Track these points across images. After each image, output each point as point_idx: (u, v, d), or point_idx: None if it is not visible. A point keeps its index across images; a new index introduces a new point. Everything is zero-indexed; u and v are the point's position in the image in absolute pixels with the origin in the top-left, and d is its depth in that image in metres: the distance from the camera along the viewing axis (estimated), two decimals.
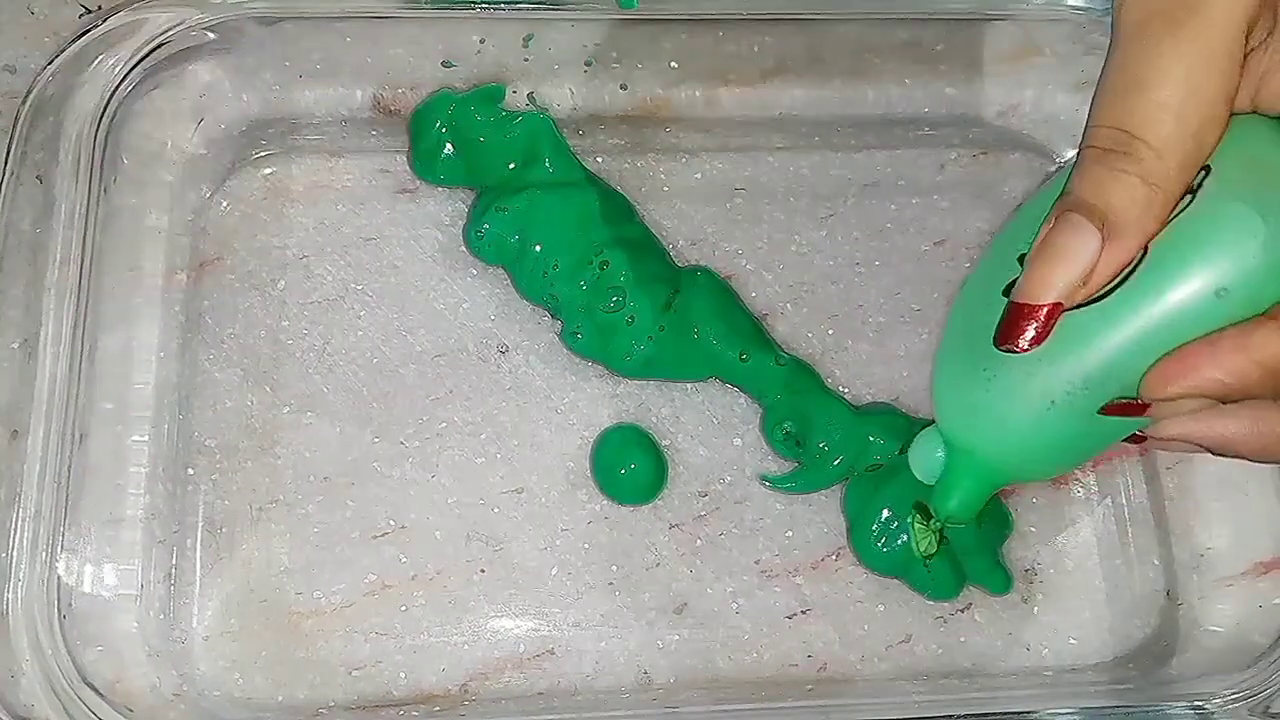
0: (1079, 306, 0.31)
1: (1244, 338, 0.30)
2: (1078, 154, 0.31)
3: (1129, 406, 0.32)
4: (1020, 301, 0.31)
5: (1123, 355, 0.31)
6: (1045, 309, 0.31)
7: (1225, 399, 0.31)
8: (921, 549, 0.43)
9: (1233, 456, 0.33)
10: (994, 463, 0.35)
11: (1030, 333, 0.31)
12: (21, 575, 0.39)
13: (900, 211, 0.51)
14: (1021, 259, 0.32)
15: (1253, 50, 0.31)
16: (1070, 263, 0.31)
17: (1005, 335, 0.32)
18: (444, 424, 0.47)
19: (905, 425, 0.47)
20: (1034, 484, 0.48)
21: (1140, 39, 0.31)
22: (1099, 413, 0.32)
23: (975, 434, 0.35)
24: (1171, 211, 0.31)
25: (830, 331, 0.50)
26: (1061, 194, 0.31)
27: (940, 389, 0.36)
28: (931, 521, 0.42)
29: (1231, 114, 0.31)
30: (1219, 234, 0.31)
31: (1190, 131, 0.30)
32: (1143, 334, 0.31)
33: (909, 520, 0.44)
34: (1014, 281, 0.32)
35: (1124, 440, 0.34)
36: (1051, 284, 0.31)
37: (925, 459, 0.37)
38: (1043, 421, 0.33)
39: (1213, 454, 0.33)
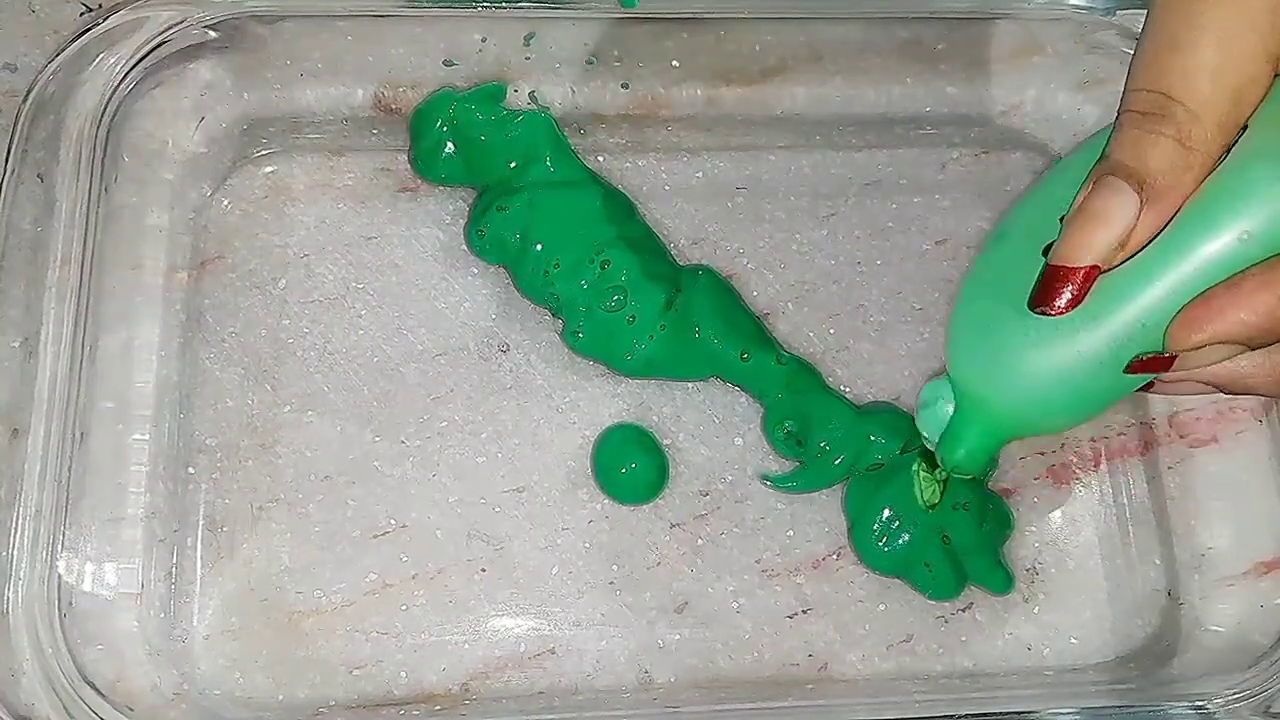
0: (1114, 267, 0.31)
1: (1268, 273, 0.30)
2: (1116, 117, 0.31)
3: (1154, 361, 0.32)
4: (1058, 264, 0.31)
5: (1153, 308, 0.31)
6: (1083, 272, 0.31)
7: (1252, 343, 0.31)
8: (925, 498, 0.43)
9: (1244, 393, 0.33)
10: (1007, 414, 0.35)
11: (1067, 295, 0.31)
12: (22, 574, 0.39)
13: (901, 210, 0.51)
14: (1061, 219, 0.32)
15: None
16: (1109, 226, 0.30)
17: (1042, 297, 0.32)
18: (445, 423, 0.47)
19: (907, 425, 0.47)
20: (1035, 483, 0.48)
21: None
22: (1125, 371, 0.32)
23: (992, 384, 0.35)
24: (1210, 171, 0.31)
25: (831, 331, 0.50)
26: (1100, 158, 0.31)
27: (958, 336, 0.36)
28: (936, 471, 0.42)
29: (1277, 72, 0.31)
30: (1249, 187, 0.30)
31: (1228, 92, 0.30)
32: (1173, 287, 0.31)
33: (914, 468, 0.43)
34: (1051, 244, 0.32)
35: (1139, 389, 0.34)
36: (1090, 247, 0.31)
37: (933, 410, 0.37)
38: (1066, 374, 0.33)
39: (1226, 392, 0.33)
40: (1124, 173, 0.30)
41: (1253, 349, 0.31)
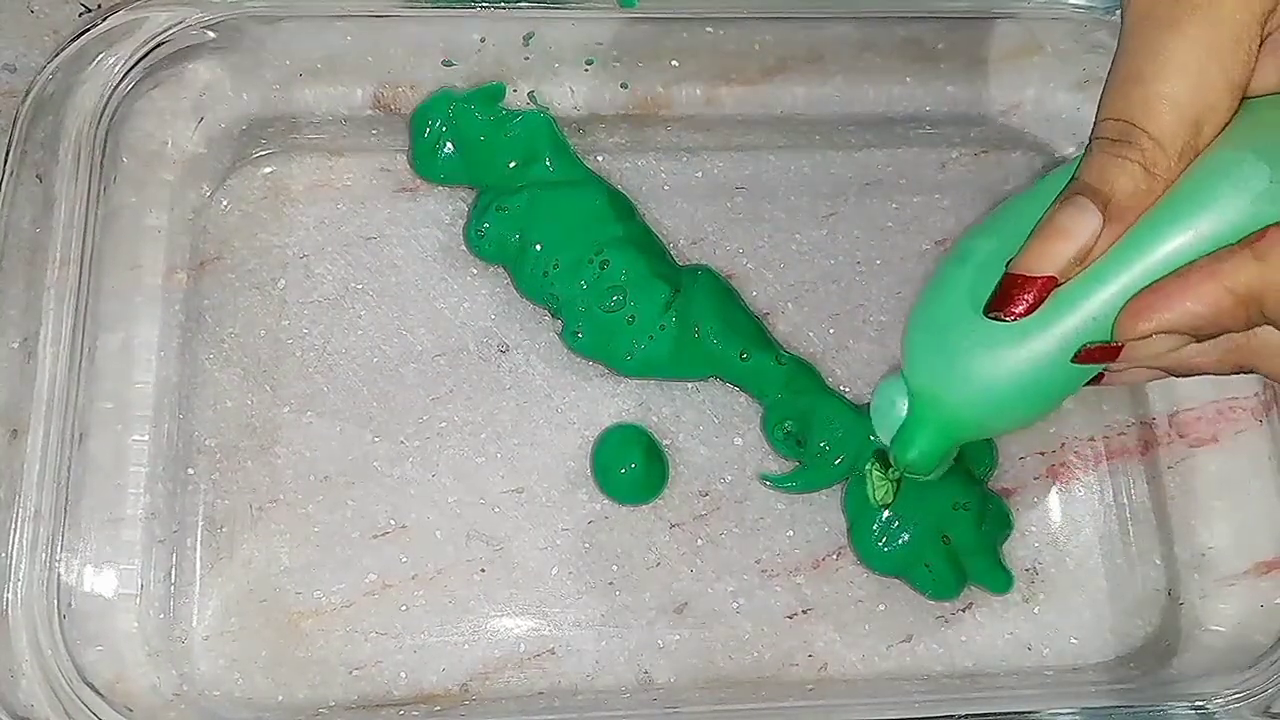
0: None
1: (1215, 265, 0.31)
2: (1088, 143, 0.33)
3: (1101, 351, 0.33)
4: (1017, 273, 0.33)
5: (1102, 307, 0.33)
6: (1041, 281, 0.33)
7: (1199, 334, 0.32)
8: (878, 498, 0.42)
9: (1192, 374, 0.35)
10: (959, 413, 0.36)
11: (1024, 303, 0.33)
12: (21, 575, 0.39)
13: (901, 210, 0.51)
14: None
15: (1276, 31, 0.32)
16: (1070, 240, 0.32)
17: (999, 303, 0.33)
18: (444, 423, 0.47)
19: None
20: (1035, 483, 0.48)
21: (1144, 30, 0.32)
22: (1073, 360, 0.34)
23: (946, 384, 0.36)
24: (1165, 191, 0.32)
25: (831, 330, 0.50)
26: (1070, 179, 0.33)
27: (914, 337, 0.37)
28: (890, 470, 0.42)
29: (1244, 98, 0.33)
30: (1202, 199, 0.32)
31: (1189, 122, 0.32)
32: (1124, 288, 0.32)
33: (867, 468, 0.43)
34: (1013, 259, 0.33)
35: (1086, 383, 0.35)
36: (1051, 258, 0.32)
37: (885, 408, 0.38)
38: (1017, 373, 0.34)
39: (1174, 375, 0.35)
40: (1090, 193, 0.32)
41: (1199, 340, 0.32)
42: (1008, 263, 0.33)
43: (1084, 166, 0.33)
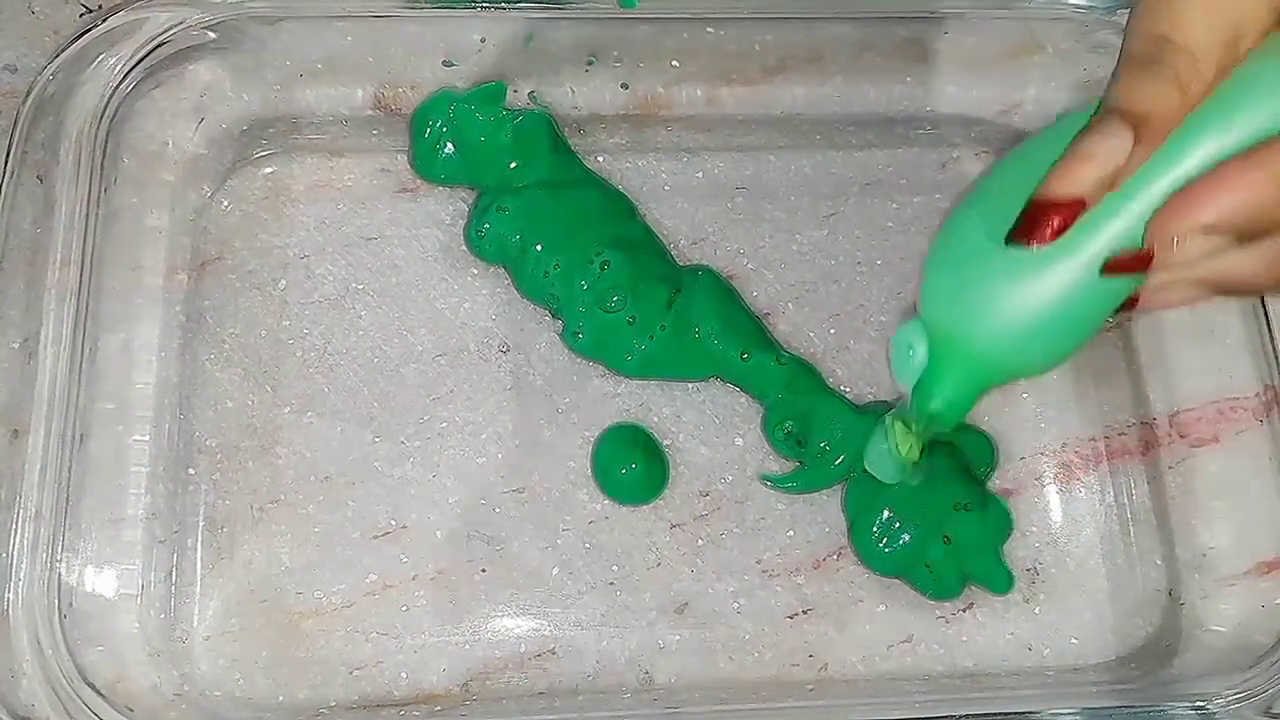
0: None
1: (1254, 153, 0.29)
2: (1115, 66, 0.31)
3: (1133, 259, 0.31)
4: (1043, 198, 0.31)
5: (1134, 225, 0.31)
6: (1067, 204, 0.30)
7: (1240, 231, 0.30)
8: (904, 454, 0.39)
9: (1237, 293, 0.32)
10: (984, 354, 0.34)
11: (1049, 229, 0.31)
12: (22, 575, 0.39)
13: (902, 210, 0.51)
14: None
15: None
16: (1100, 163, 0.30)
17: (1023, 231, 0.31)
18: (445, 424, 0.47)
19: None
20: (1035, 483, 0.48)
21: None
22: (1102, 272, 0.31)
23: (967, 323, 0.33)
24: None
25: (832, 331, 0.49)
26: (1099, 104, 0.31)
27: (930, 277, 0.35)
28: (914, 425, 0.39)
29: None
30: (1236, 97, 0.30)
31: (1225, 33, 0.30)
32: (1156, 202, 0.30)
33: (889, 423, 0.39)
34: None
35: (1119, 310, 0.33)
36: (1078, 180, 0.30)
37: (904, 355, 0.36)
38: (1043, 305, 0.32)
39: (1219, 294, 0.32)
40: (1120, 114, 0.30)
41: (1241, 241, 0.30)
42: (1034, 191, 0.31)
43: (1112, 86, 0.31)
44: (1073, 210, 0.30)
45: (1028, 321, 0.32)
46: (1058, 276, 0.31)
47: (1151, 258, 0.31)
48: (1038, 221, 0.31)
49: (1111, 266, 0.31)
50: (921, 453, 0.40)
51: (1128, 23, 0.31)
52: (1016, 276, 0.32)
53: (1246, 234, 0.30)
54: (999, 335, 0.33)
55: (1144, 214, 0.30)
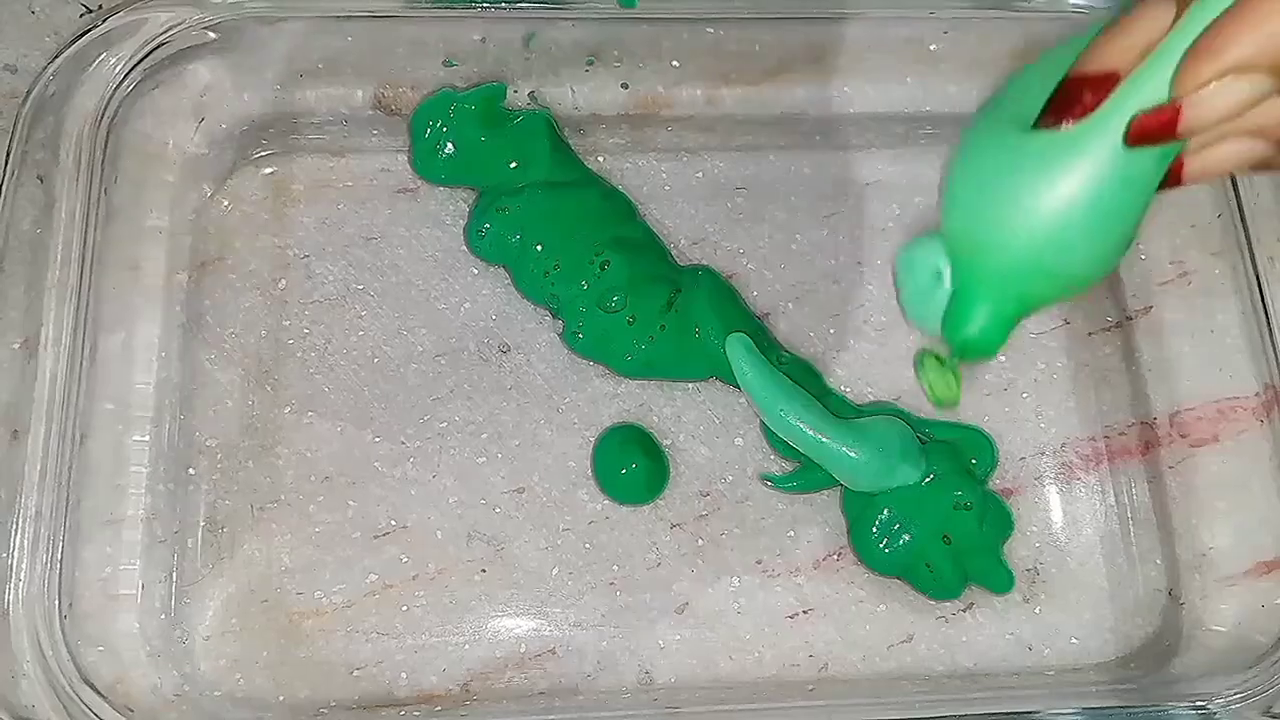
0: None
1: None
2: None
3: (1158, 118, 0.27)
4: (1077, 73, 0.29)
5: (1161, 88, 0.28)
6: (1102, 76, 0.28)
7: (1274, 67, 0.26)
8: (941, 397, 0.34)
9: None
10: (1019, 262, 0.30)
11: (1082, 105, 0.28)
12: (22, 575, 0.39)
13: (902, 211, 0.51)
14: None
15: None
16: (1139, 33, 0.28)
17: (1056, 109, 0.29)
18: (445, 424, 0.47)
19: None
20: (1035, 483, 0.48)
21: None
22: (1126, 142, 0.28)
23: (1002, 221, 0.30)
24: None
25: (832, 331, 0.49)
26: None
27: (957, 178, 0.32)
28: (949, 359, 0.34)
29: None
30: None
31: None
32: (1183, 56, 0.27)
33: (921, 362, 0.34)
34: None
35: (1162, 187, 0.30)
36: (1114, 52, 0.28)
37: (920, 280, 0.32)
38: (1080, 188, 0.29)
39: (1267, 166, 0.29)
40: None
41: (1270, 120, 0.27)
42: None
43: None
44: (1107, 84, 0.28)
45: (1065, 213, 0.29)
46: (1092, 158, 0.29)
47: (1178, 114, 0.27)
48: (1070, 98, 0.29)
49: (1136, 130, 0.28)
50: (959, 389, 0.35)
51: None
52: (1049, 164, 0.29)
53: None
54: (1035, 233, 0.30)
55: (1173, 69, 0.27)
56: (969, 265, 0.31)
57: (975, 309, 0.31)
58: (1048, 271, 0.30)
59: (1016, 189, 0.29)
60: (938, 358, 0.34)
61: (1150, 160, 0.29)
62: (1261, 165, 0.29)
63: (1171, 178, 0.29)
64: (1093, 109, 0.28)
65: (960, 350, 0.32)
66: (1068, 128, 0.28)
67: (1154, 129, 0.28)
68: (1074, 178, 0.29)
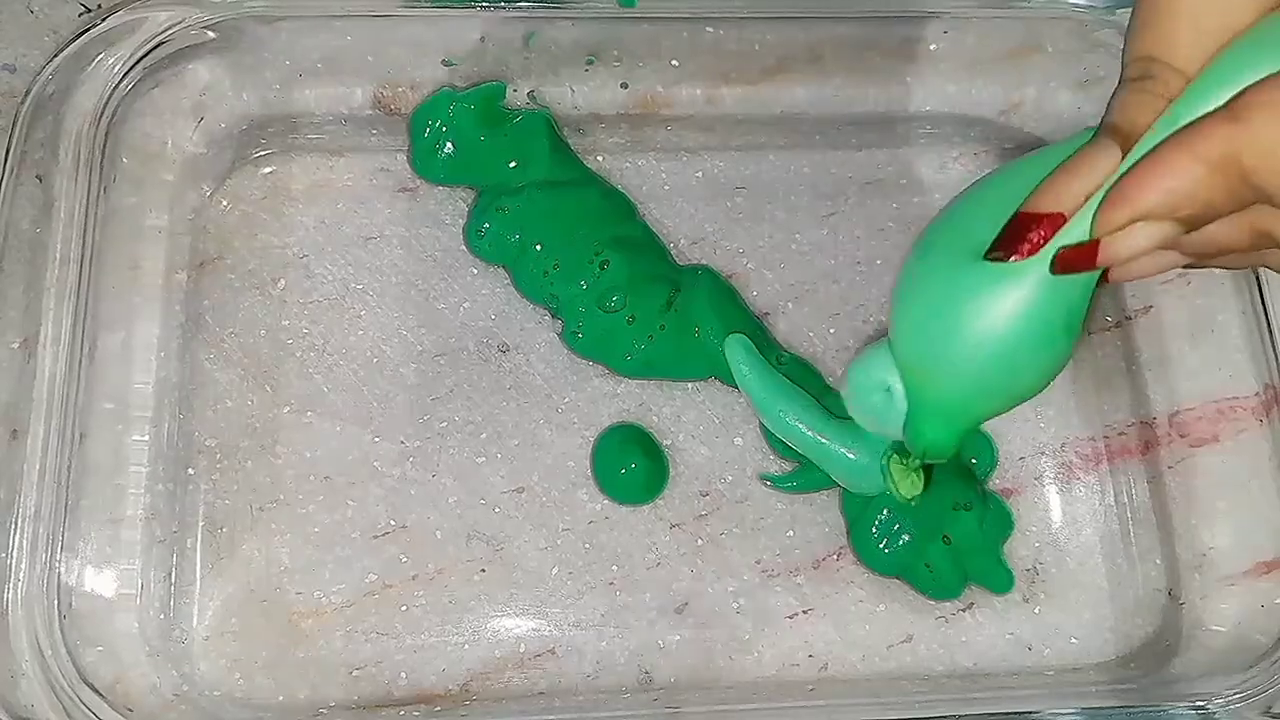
0: None
1: (1185, 134, 0.29)
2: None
3: (1078, 253, 0.31)
4: (1028, 210, 0.31)
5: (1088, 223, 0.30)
6: (1051, 217, 0.31)
7: (1182, 216, 0.29)
8: (903, 493, 0.40)
9: (1217, 257, 0.32)
10: (972, 388, 0.33)
11: (1030, 242, 0.31)
12: (22, 575, 0.39)
13: (902, 210, 0.51)
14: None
15: None
16: (1087, 177, 0.30)
17: (1005, 243, 0.31)
18: (444, 423, 0.47)
19: None
20: (1035, 483, 0.48)
21: None
22: (1052, 270, 0.31)
23: (948, 342, 0.33)
24: None
25: (831, 330, 0.49)
26: (1082, 134, 0.32)
27: (904, 301, 0.34)
28: (910, 459, 0.39)
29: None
30: (1200, 88, 0.30)
31: (1211, 51, 0.30)
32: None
33: (884, 463, 0.41)
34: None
35: (1100, 283, 0.33)
36: (1064, 195, 0.30)
37: (873, 395, 0.35)
38: (1019, 313, 0.32)
39: (1198, 262, 0.32)
40: (1112, 132, 0.31)
41: (1190, 229, 0.29)
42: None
43: (1109, 106, 0.31)
44: (1054, 223, 0.31)
45: (1011, 340, 0.32)
46: (1032, 286, 0.31)
47: (1095, 252, 0.30)
48: (1020, 234, 0.31)
49: (1059, 264, 0.31)
50: (925, 484, 0.40)
51: (1124, 41, 0.31)
52: (996, 294, 0.32)
53: (1192, 219, 0.29)
54: (984, 360, 0.32)
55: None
56: (920, 387, 0.34)
57: (930, 426, 0.34)
58: (996, 392, 0.33)
59: (966, 318, 0.32)
60: (901, 461, 0.39)
61: (1083, 280, 0.32)
62: (1185, 265, 0.32)
63: (1102, 278, 0.32)
64: (1040, 248, 0.31)
65: (921, 455, 0.35)
66: (1017, 259, 0.31)
67: (1076, 262, 0.31)
68: (1018, 306, 0.32)
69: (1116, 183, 0.30)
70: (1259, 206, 0.29)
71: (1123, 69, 0.31)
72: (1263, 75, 0.28)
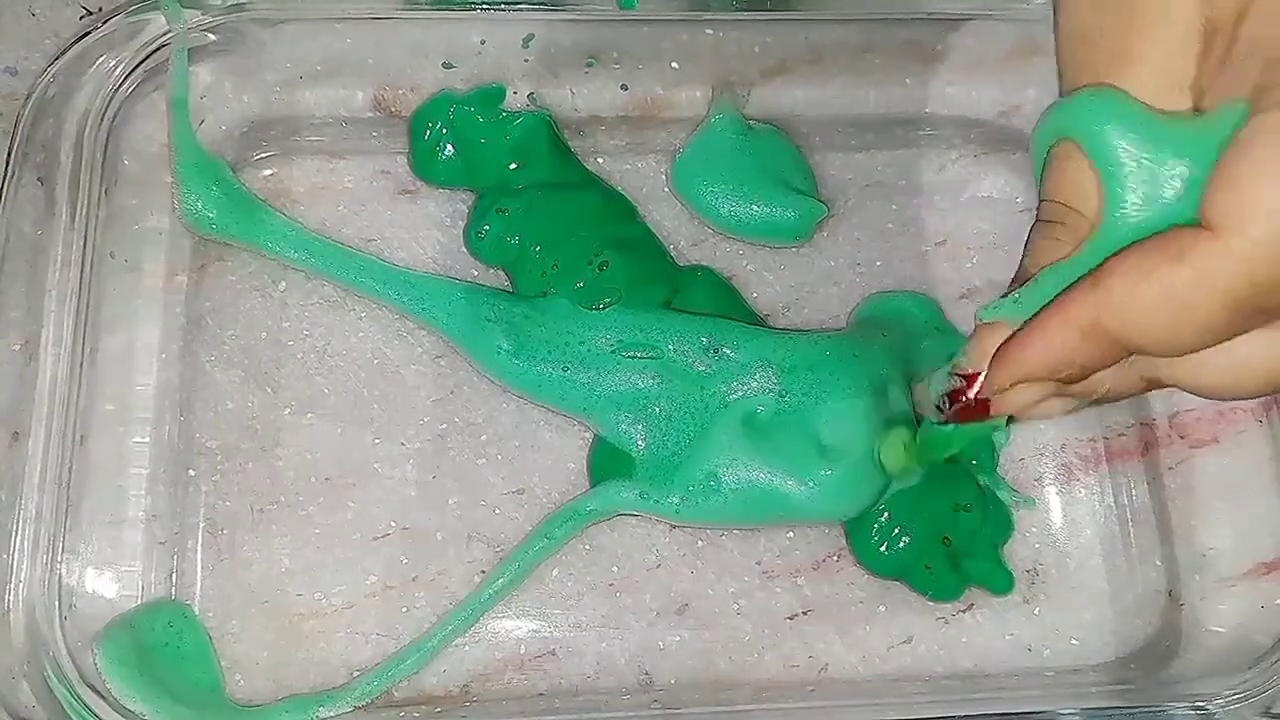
0: None
1: (1061, 301, 0.31)
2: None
3: (968, 410, 0.35)
4: (963, 371, 0.35)
5: None
6: (971, 378, 0.35)
7: (1062, 377, 0.32)
8: (889, 464, 0.44)
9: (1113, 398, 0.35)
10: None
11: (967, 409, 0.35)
12: (23, 576, 0.39)
13: (901, 212, 0.51)
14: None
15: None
16: (997, 336, 0.34)
17: (955, 415, 0.36)
18: (445, 425, 0.47)
19: None
20: (1035, 484, 0.48)
21: None
22: (943, 420, 0.36)
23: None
24: None
25: None
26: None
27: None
28: (911, 447, 0.43)
29: None
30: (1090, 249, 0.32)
31: None
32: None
33: (888, 435, 0.44)
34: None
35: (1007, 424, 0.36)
36: (975, 356, 0.35)
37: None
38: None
39: (1101, 401, 0.35)
40: (1023, 274, 0.33)
41: (1071, 383, 0.32)
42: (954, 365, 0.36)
43: (1026, 246, 0.34)
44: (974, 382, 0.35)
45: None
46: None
47: (987, 407, 0.34)
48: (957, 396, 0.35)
49: (950, 416, 0.35)
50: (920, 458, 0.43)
51: (1039, 179, 0.34)
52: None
53: (1070, 377, 0.32)
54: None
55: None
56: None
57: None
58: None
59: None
60: (904, 441, 0.43)
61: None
62: (1094, 402, 0.35)
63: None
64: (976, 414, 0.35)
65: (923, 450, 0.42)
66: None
67: (967, 416, 0.35)
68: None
69: (1003, 345, 0.33)
70: (1139, 356, 0.31)
71: (1038, 207, 0.34)
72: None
